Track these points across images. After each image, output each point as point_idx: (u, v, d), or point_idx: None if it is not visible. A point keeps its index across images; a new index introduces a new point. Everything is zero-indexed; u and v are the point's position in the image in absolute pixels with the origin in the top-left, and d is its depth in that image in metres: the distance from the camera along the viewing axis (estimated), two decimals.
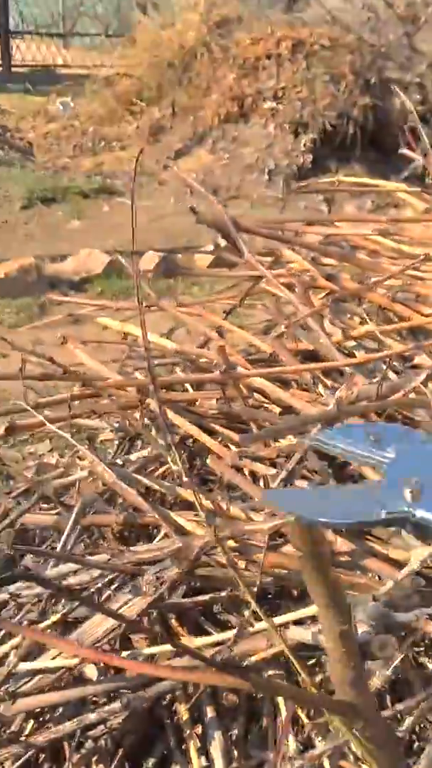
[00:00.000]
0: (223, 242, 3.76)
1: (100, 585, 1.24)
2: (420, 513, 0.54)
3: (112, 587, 1.26)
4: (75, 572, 1.33)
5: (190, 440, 1.58)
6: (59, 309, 3.57)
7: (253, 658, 1.16)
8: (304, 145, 6.14)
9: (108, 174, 5.83)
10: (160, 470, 1.60)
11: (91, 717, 1.10)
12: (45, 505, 1.67)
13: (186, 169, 5.99)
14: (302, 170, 6.01)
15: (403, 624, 0.99)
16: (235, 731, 1.23)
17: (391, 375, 1.47)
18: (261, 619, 1.17)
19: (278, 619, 1.11)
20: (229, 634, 1.13)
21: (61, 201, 5.01)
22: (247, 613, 1.21)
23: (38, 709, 1.16)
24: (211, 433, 1.51)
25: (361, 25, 6.74)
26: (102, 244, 4.27)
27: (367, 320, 1.40)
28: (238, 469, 1.51)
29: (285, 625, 1.12)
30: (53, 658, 1.19)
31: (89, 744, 1.16)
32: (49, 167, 5.80)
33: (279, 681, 0.83)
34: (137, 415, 1.53)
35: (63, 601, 1.31)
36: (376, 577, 1.19)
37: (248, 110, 6.31)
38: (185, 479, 0.92)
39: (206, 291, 3.88)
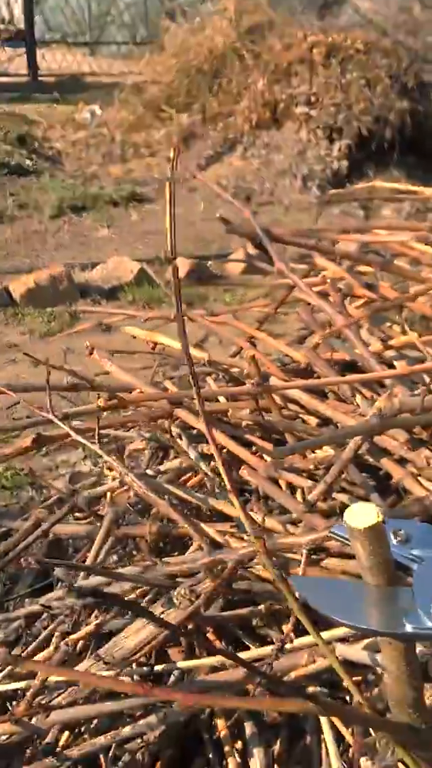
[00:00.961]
0: (253, 250, 3.75)
1: (133, 597, 1.23)
2: None
3: (146, 599, 1.26)
4: (108, 584, 1.33)
5: (225, 451, 1.57)
6: (91, 317, 3.59)
7: (293, 674, 1.14)
8: (339, 150, 6.09)
9: (138, 181, 5.84)
10: (193, 480, 1.59)
11: (126, 731, 1.08)
12: (79, 515, 1.67)
13: (217, 175, 5.98)
14: (338, 176, 5.96)
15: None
16: (277, 747, 1.21)
17: None
18: (300, 635, 1.15)
19: (324, 635, 1.09)
20: (268, 649, 1.12)
21: (90, 209, 5.03)
22: (285, 627, 1.19)
23: (74, 721, 1.15)
24: (246, 444, 1.50)
25: (397, 27, 6.67)
26: (132, 251, 4.28)
27: (407, 330, 1.38)
28: (275, 481, 1.49)
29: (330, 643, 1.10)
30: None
31: (126, 757, 1.15)
32: (78, 176, 5.83)
33: (343, 705, 0.81)
34: (168, 425, 1.52)
35: (96, 612, 1.30)
36: None
37: (281, 116, 6.28)
38: (229, 490, 0.90)
39: (238, 298, 3.87)
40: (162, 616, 1.13)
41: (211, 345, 2.12)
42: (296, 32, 6.52)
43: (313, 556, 1.16)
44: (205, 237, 4.55)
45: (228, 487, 0.85)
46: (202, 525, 1.26)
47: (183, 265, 4.07)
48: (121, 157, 6.43)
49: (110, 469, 1.44)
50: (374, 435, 1.04)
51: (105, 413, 1.65)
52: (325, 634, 1.06)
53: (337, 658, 0.86)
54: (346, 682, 0.88)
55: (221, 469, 0.82)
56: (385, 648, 0.58)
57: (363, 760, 1.06)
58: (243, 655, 1.13)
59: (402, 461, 1.31)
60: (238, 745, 1.18)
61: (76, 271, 3.95)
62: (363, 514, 0.51)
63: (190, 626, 1.27)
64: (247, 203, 5.63)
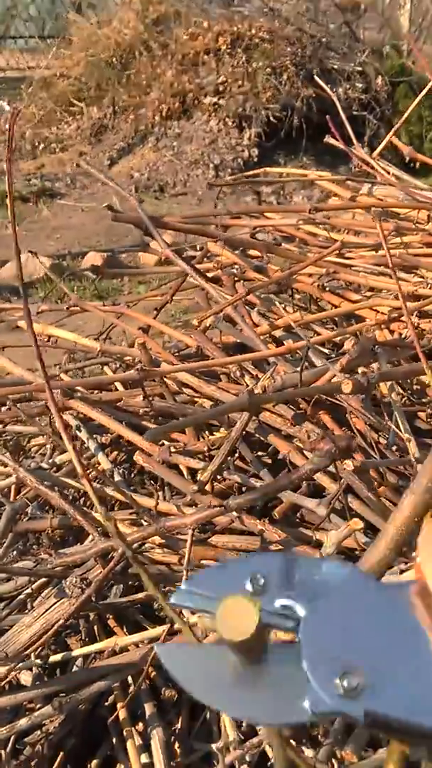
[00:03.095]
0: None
1: (29, 591, 1.23)
2: (356, 710, 0.41)
3: (44, 593, 1.25)
4: (7, 580, 1.32)
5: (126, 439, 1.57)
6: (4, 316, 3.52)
7: None
8: (249, 139, 6.14)
9: (49, 176, 5.75)
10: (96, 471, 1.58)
11: (22, 722, 1.08)
12: None
13: (130, 167, 5.96)
14: (248, 164, 6.01)
15: None
16: (178, 725, 1.23)
17: (319, 362, 1.48)
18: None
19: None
20: (159, 630, 1.13)
21: None
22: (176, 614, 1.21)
23: None
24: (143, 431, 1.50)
25: (300, 15, 6.76)
26: (44, 247, 4.23)
27: (292, 310, 1.41)
28: (173, 465, 1.50)
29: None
30: None
31: (27, 750, 1.15)
32: None
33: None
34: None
35: None
36: None
37: (190, 106, 6.29)
38: (82, 475, 0.91)
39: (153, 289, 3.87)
40: (54, 606, 1.13)
41: (117, 336, 2.11)
42: (202, 22, 6.54)
43: (201, 534, 1.18)
44: (117, 230, 4.52)
45: (80, 472, 0.85)
46: (94, 514, 1.27)
47: (95, 258, 4.04)
48: (31, 152, 6.33)
49: (3, 464, 1.42)
50: (246, 411, 1.07)
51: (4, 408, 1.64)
52: None
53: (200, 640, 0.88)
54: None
55: (72, 454, 0.83)
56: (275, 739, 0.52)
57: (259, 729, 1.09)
58: (137, 636, 1.14)
59: (289, 437, 1.34)
60: (140, 727, 1.20)
61: None
62: (238, 616, 0.42)
63: (91, 615, 1.28)
64: (160, 194, 5.63)
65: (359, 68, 6.71)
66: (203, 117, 6.22)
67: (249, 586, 0.45)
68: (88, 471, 1.46)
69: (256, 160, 6.05)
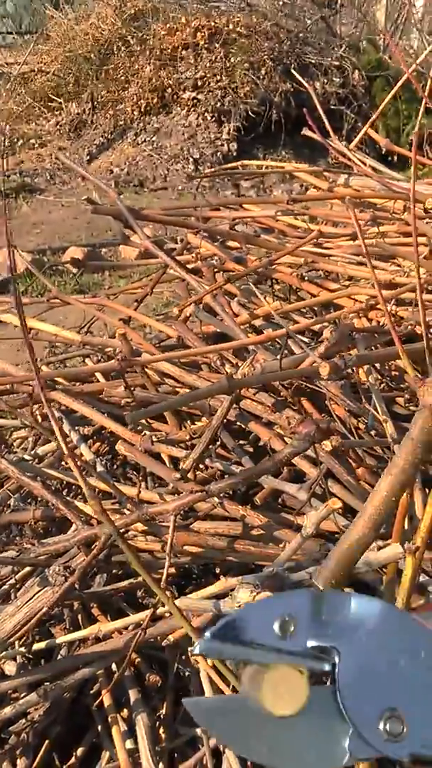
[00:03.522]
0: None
1: (13, 581, 1.23)
2: (401, 753, 0.40)
3: (28, 583, 1.26)
4: None
5: (108, 431, 1.58)
6: None
7: (171, 637, 1.17)
8: (228, 133, 6.15)
9: (29, 172, 5.73)
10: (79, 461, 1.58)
11: (6, 711, 1.09)
12: None
13: (109, 162, 5.94)
14: (228, 158, 6.02)
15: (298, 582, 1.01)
16: (163, 711, 1.24)
17: (298, 351, 1.49)
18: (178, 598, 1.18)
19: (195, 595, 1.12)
20: (142, 615, 1.14)
21: None
22: (165, 594, 1.21)
23: None
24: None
25: (278, 11, 6.78)
26: (24, 242, 4.21)
27: (271, 300, 1.42)
28: (156, 455, 1.51)
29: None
30: None
31: (12, 739, 1.15)
32: None
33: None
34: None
35: None
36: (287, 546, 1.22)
37: (169, 101, 6.29)
38: (70, 464, 0.91)
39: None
40: (38, 595, 1.13)
41: (98, 330, 2.11)
42: (180, 17, 6.53)
43: (184, 521, 1.19)
44: (98, 225, 4.52)
45: (65, 451, 0.86)
46: (77, 503, 1.27)
47: (76, 252, 4.03)
48: (10, 148, 6.29)
49: None
50: (226, 394, 1.08)
51: None
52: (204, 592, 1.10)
53: (189, 621, 0.89)
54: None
55: (62, 444, 0.83)
56: None
57: None
58: (120, 622, 1.15)
59: (269, 424, 1.36)
60: (125, 713, 1.21)
61: None
62: (286, 688, 0.40)
63: (75, 604, 1.29)
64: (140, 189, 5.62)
65: (336, 63, 6.74)
66: (182, 112, 6.21)
67: (278, 629, 0.43)
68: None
69: (235, 154, 6.06)
